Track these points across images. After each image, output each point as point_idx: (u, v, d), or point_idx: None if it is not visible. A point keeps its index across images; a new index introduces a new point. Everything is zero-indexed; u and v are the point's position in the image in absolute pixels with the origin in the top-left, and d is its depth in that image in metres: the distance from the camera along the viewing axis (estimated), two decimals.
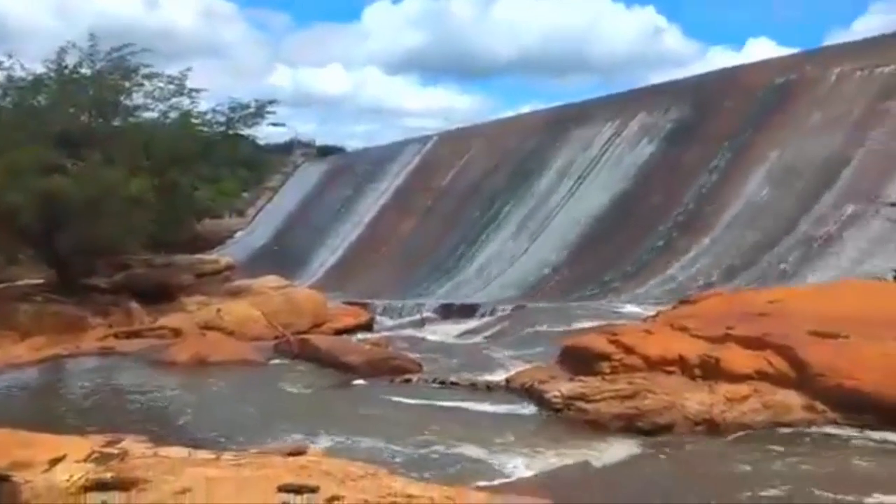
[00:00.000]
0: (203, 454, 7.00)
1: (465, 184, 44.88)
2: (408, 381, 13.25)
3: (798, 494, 7.40)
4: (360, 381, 13.51)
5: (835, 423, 9.96)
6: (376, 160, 54.35)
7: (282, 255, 47.52)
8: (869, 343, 10.57)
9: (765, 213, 29.08)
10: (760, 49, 76.61)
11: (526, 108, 49.13)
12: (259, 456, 6.82)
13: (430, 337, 20.35)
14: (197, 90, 21.90)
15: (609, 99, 43.15)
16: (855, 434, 9.55)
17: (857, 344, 10.60)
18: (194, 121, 22.07)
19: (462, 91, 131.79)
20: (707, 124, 34.71)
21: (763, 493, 7.40)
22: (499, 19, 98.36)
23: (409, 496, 5.70)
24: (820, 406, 10.20)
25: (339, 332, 20.32)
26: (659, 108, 38.11)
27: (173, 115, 21.94)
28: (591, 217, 35.66)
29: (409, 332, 21.87)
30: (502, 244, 38.76)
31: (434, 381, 13.16)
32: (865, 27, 70.05)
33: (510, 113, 55.68)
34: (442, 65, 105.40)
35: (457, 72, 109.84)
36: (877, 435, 9.47)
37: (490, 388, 12.54)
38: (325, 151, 61.71)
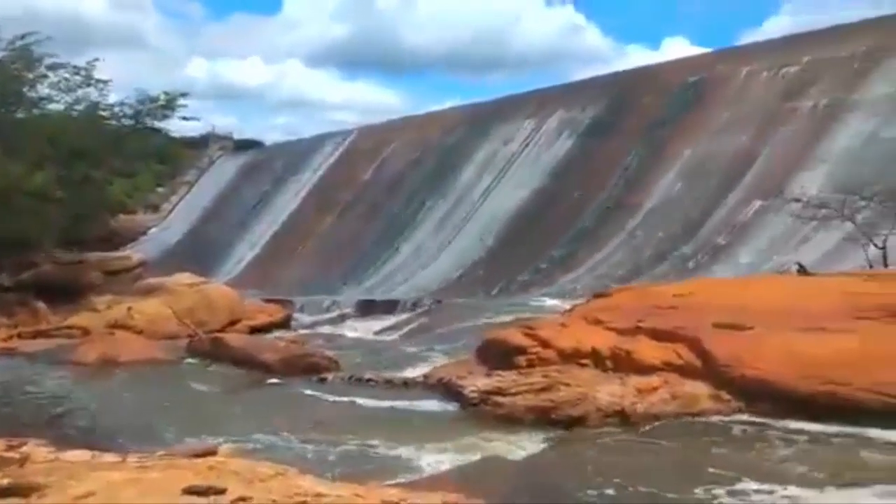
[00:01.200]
0: (108, 457, 6.79)
1: (387, 178, 44.76)
2: (323, 379, 13.13)
3: (688, 484, 7.59)
4: (274, 380, 13.33)
5: (739, 411, 10.28)
6: (296, 154, 53.72)
7: (198, 252, 46.49)
8: (770, 334, 10.97)
9: (678, 208, 29.92)
10: (676, 48, 78.82)
11: (449, 104, 49.11)
12: (166, 458, 6.65)
13: (350, 334, 20.25)
14: (104, 81, 21.25)
15: (529, 95, 43.66)
16: (757, 422, 9.87)
17: (759, 335, 10.99)
18: (102, 113, 21.38)
19: (385, 85, 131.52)
20: (623, 121, 35.48)
21: (654, 488, 7.54)
22: (423, 14, 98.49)
23: (318, 495, 5.64)
24: (726, 395, 10.53)
25: (255, 330, 20.03)
26: (577, 104, 38.77)
27: (81, 106, 21.21)
28: (512, 212, 36.04)
29: (328, 329, 21.72)
30: (424, 239, 38.81)
31: (350, 378, 13.08)
32: (776, 27, 72.83)
33: (433, 108, 55.60)
34: (365, 58, 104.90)
35: (380, 66, 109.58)
36: (779, 423, 9.80)
37: (407, 384, 12.53)
38: (244, 145, 60.55)
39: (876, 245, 18.20)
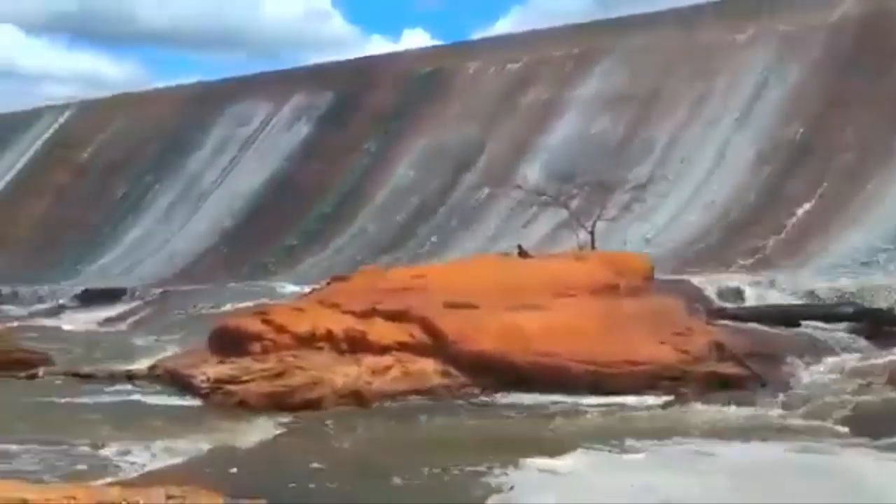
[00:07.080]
0: None
1: (111, 158, 41.56)
2: (33, 375, 12.01)
3: (412, 458, 7.91)
4: None
5: (466, 386, 10.90)
6: (2, 129, 48.25)
7: None
8: (492, 312, 11.73)
9: (412, 195, 30.92)
10: (415, 39, 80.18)
11: (183, 81, 45.97)
12: None
13: (68, 326, 18.73)
14: None
15: (266, 76, 42.57)
16: (480, 395, 10.57)
17: (482, 313, 11.71)
18: None
19: (113, 58, 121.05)
20: (361, 108, 35.86)
21: (382, 464, 7.80)
22: None
23: (24, 500, 5.16)
24: (453, 371, 11.12)
25: None
26: (316, 89, 38.52)
27: None
28: (249, 196, 35.16)
29: (43, 320, 19.91)
30: (153, 223, 36.70)
31: (66, 373, 12.09)
32: (506, 27, 76.63)
33: (164, 84, 51.74)
34: (92, 29, 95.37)
35: (109, 37, 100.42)
36: (500, 396, 10.55)
37: (131, 377, 11.84)
38: None
39: (586, 229, 20.11)
